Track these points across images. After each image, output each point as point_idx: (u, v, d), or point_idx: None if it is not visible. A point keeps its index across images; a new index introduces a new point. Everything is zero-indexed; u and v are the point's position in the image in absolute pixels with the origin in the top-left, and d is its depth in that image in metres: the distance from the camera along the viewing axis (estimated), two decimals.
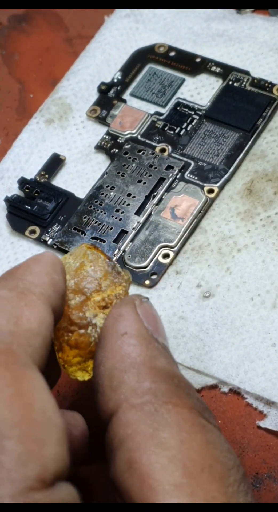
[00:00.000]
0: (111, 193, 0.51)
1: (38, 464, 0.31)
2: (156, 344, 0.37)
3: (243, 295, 0.47)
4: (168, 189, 0.51)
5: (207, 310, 0.47)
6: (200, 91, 0.55)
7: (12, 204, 0.52)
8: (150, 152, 0.53)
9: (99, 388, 0.36)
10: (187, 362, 0.45)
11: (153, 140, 0.53)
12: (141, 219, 0.50)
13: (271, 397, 0.43)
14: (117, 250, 0.49)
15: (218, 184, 0.51)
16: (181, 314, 0.47)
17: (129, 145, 0.53)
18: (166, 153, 0.53)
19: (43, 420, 0.32)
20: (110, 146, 0.54)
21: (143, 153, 0.53)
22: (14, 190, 0.53)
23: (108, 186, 0.52)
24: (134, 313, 0.37)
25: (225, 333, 0.46)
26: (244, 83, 0.54)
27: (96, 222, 0.51)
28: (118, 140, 0.54)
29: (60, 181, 0.54)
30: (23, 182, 0.53)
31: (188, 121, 0.54)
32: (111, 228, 0.50)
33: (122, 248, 0.49)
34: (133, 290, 0.48)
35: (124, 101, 0.56)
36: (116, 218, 0.50)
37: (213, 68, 0.56)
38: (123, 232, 0.50)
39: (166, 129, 0.54)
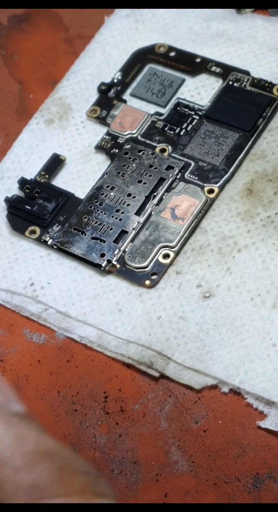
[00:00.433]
0: (111, 193, 0.51)
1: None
2: (14, 419, 0.33)
3: (243, 295, 0.47)
4: (168, 189, 0.51)
5: (207, 310, 0.47)
6: (200, 91, 0.55)
7: (12, 204, 0.52)
8: (150, 152, 0.53)
9: None
10: (187, 362, 0.45)
11: (153, 140, 0.53)
12: (141, 219, 0.50)
13: (271, 397, 0.43)
14: (117, 250, 0.49)
15: (218, 184, 0.51)
16: (181, 314, 0.47)
17: (129, 145, 0.53)
18: (166, 153, 0.53)
19: None
20: (110, 146, 0.54)
21: (143, 153, 0.53)
22: (14, 190, 0.53)
23: (108, 186, 0.52)
24: None
25: (225, 333, 0.46)
26: (244, 83, 0.54)
27: (96, 222, 0.51)
28: (118, 140, 0.54)
29: (60, 181, 0.54)
30: (23, 182, 0.53)
31: (188, 121, 0.54)
32: (111, 228, 0.50)
33: (122, 248, 0.49)
34: (134, 290, 0.48)
35: (124, 101, 0.56)
36: (116, 218, 0.50)
37: (213, 68, 0.56)
38: (123, 232, 0.50)
39: (166, 129, 0.54)
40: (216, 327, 0.46)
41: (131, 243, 0.49)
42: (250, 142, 0.52)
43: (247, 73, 0.55)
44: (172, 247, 0.49)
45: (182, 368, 0.45)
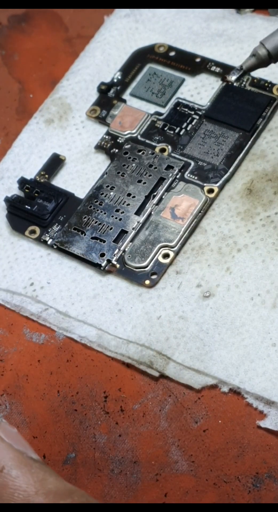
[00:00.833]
0: (111, 193, 0.51)
1: None
2: (36, 464, 0.36)
3: (243, 295, 0.47)
4: (168, 189, 0.51)
5: (207, 310, 0.47)
6: (200, 91, 0.55)
7: (12, 204, 0.52)
8: (150, 152, 0.53)
9: None
10: (187, 362, 0.45)
11: (153, 140, 0.53)
12: (141, 219, 0.50)
13: (271, 397, 0.43)
14: (117, 250, 0.49)
15: (218, 184, 0.51)
16: (181, 314, 0.47)
17: (129, 145, 0.53)
18: (166, 153, 0.53)
19: None
20: (110, 146, 0.54)
21: (143, 153, 0.53)
22: (14, 190, 0.53)
23: (108, 186, 0.52)
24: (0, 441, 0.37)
25: (225, 333, 0.46)
26: (244, 83, 0.54)
27: (96, 222, 0.51)
28: (118, 140, 0.54)
29: (60, 181, 0.54)
30: (23, 182, 0.53)
31: (188, 121, 0.54)
32: (111, 228, 0.50)
33: (122, 248, 0.49)
34: (134, 290, 0.48)
35: (124, 101, 0.56)
36: (116, 218, 0.50)
37: (213, 68, 0.56)
38: (123, 232, 0.50)
39: (166, 129, 0.54)
40: (216, 327, 0.46)
41: (131, 243, 0.49)
42: (250, 142, 0.52)
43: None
44: (172, 247, 0.49)
45: (182, 368, 0.45)
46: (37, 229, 0.51)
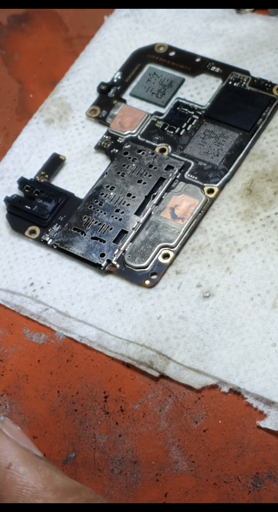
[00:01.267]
0: (111, 193, 0.51)
1: None
2: (42, 461, 0.36)
3: (243, 295, 0.47)
4: (168, 189, 0.51)
5: (207, 310, 0.47)
6: (200, 91, 0.55)
7: (12, 204, 0.52)
8: (150, 152, 0.53)
9: None
10: (187, 362, 0.45)
11: (153, 140, 0.53)
12: (141, 219, 0.50)
13: (271, 397, 0.43)
14: (117, 250, 0.49)
15: (218, 184, 0.51)
16: (181, 314, 0.47)
17: (129, 145, 0.53)
18: (166, 153, 0.53)
19: None
20: (110, 146, 0.54)
21: (143, 153, 0.53)
22: (14, 190, 0.53)
23: (108, 186, 0.52)
24: (5, 438, 0.37)
25: (225, 333, 0.46)
26: (244, 83, 0.54)
27: (96, 222, 0.51)
28: (118, 140, 0.54)
29: (60, 181, 0.54)
30: (23, 182, 0.53)
31: (188, 121, 0.54)
32: (111, 228, 0.50)
33: (122, 248, 0.49)
34: (134, 290, 0.48)
35: (124, 101, 0.56)
36: (116, 218, 0.50)
37: (213, 68, 0.56)
38: (123, 232, 0.50)
39: (166, 129, 0.54)
40: (216, 327, 0.46)
41: (131, 243, 0.49)
42: (249, 142, 0.52)
43: (246, 73, 0.55)
44: (172, 247, 0.49)
45: (182, 368, 0.45)
46: (37, 229, 0.51)
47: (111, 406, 0.46)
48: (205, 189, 0.51)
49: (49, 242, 0.51)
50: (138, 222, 0.50)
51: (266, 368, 0.44)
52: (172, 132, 0.53)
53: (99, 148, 0.54)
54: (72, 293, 0.49)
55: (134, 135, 0.54)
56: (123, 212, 0.51)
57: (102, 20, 0.60)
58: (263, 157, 0.51)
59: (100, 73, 0.57)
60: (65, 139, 0.55)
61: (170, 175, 0.51)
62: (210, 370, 0.45)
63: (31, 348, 0.48)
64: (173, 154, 0.53)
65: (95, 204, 0.51)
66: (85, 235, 0.50)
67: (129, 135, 0.54)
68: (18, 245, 0.52)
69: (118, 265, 0.49)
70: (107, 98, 0.56)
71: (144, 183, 0.51)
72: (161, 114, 0.55)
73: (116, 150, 0.53)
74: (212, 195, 0.50)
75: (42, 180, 0.53)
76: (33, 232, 0.51)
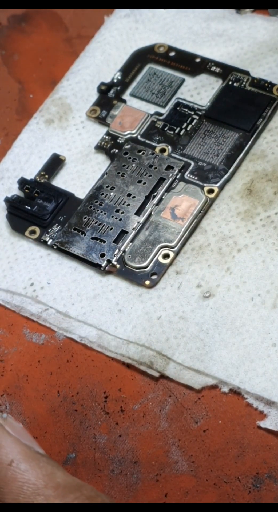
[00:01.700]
0: (111, 193, 0.51)
1: None
2: (43, 458, 0.37)
3: (243, 295, 0.47)
4: (168, 189, 0.51)
5: (207, 310, 0.47)
6: (200, 91, 0.55)
7: (12, 204, 0.52)
8: (150, 152, 0.53)
9: None
10: (187, 362, 0.45)
11: (153, 140, 0.53)
12: (141, 219, 0.50)
13: (272, 397, 0.43)
14: (117, 250, 0.49)
15: (218, 184, 0.51)
16: (181, 314, 0.47)
17: (129, 145, 0.53)
18: (166, 153, 0.53)
19: None
20: (110, 146, 0.54)
21: (143, 153, 0.53)
22: (14, 190, 0.53)
23: (108, 186, 0.52)
24: (7, 435, 0.37)
25: (225, 333, 0.46)
26: (244, 83, 0.54)
27: (96, 222, 0.51)
28: (118, 140, 0.54)
29: (60, 181, 0.54)
30: (23, 183, 0.53)
31: (188, 121, 0.54)
32: (111, 228, 0.50)
33: (122, 248, 0.49)
34: (134, 290, 0.48)
35: (124, 101, 0.56)
36: (116, 218, 0.50)
37: (213, 68, 0.56)
38: (123, 232, 0.50)
39: (166, 129, 0.54)
40: (216, 327, 0.46)
41: (131, 243, 0.49)
42: (250, 142, 0.52)
43: (246, 73, 0.55)
44: (172, 247, 0.49)
45: (182, 368, 0.45)
46: (37, 229, 0.51)
47: (111, 406, 0.46)
48: (205, 189, 0.51)
49: (49, 242, 0.51)
50: (138, 222, 0.50)
51: (266, 368, 0.44)
52: (172, 132, 0.53)
53: (99, 148, 0.54)
54: (72, 293, 0.49)
55: (134, 135, 0.54)
56: (123, 212, 0.51)
57: (102, 20, 0.60)
58: (263, 157, 0.51)
59: (100, 73, 0.57)
60: (65, 139, 0.55)
61: (170, 175, 0.51)
62: (210, 370, 0.45)
63: (31, 348, 0.48)
64: (173, 154, 0.53)
65: (95, 204, 0.51)
66: (85, 235, 0.50)
67: (129, 135, 0.54)
68: (18, 245, 0.52)
69: (118, 265, 0.49)
70: (107, 98, 0.56)
71: (144, 183, 0.51)
72: (161, 114, 0.55)
73: (116, 150, 0.53)
74: (212, 195, 0.50)
75: (42, 180, 0.53)
76: (33, 232, 0.51)
